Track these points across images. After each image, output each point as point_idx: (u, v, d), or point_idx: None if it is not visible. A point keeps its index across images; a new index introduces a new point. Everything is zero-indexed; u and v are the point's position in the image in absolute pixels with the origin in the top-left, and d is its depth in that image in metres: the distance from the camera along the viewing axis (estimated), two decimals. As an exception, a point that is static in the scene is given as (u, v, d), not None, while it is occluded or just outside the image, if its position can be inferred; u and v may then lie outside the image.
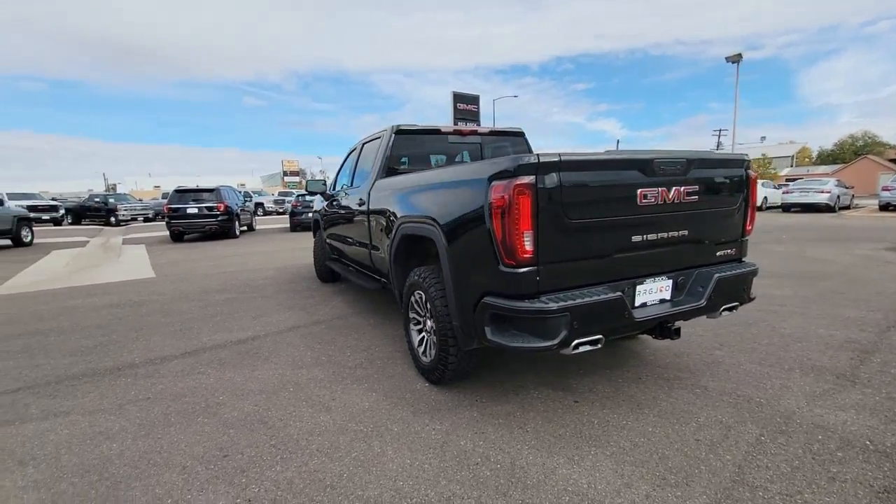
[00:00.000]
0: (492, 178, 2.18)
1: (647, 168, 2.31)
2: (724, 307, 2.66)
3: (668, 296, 2.58)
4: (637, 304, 2.48)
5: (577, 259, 2.25)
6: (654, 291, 2.53)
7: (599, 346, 2.27)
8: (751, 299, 2.84)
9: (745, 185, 2.74)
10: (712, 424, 2.44)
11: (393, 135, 4.04)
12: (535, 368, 3.22)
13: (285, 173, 70.38)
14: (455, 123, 36.43)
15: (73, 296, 6.27)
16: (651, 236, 2.42)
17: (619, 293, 2.25)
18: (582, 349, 2.23)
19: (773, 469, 2.05)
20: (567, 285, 2.25)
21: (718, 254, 2.76)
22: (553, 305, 2.10)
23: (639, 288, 2.47)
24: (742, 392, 2.79)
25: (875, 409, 2.55)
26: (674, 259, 2.58)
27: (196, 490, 2.04)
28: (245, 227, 16.01)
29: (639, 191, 2.29)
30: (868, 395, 2.71)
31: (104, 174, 71.84)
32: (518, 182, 2.05)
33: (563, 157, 2.10)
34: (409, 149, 4.16)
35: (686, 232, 2.54)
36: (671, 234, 2.48)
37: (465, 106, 37.27)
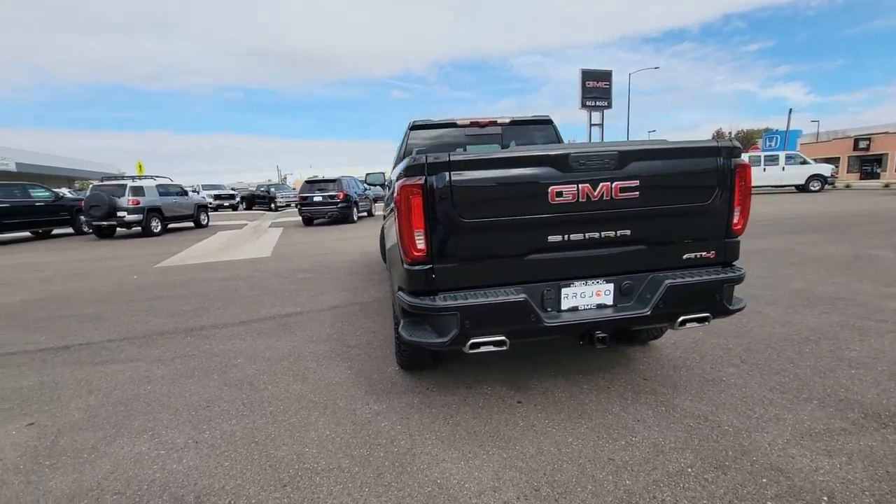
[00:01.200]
0: (398, 178, 2.27)
1: (563, 164, 2.15)
2: (684, 318, 2.33)
3: (608, 301, 2.37)
4: (565, 307, 2.34)
5: (480, 259, 2.23)
6: (587, 295, 2.34)
7: (505, 347, 2.23)
8: (732, 311, 2.41)
9: (724, 178, 2.32)
10: (644, 446, 2.21)
11: (409, 130, 4.24)
12: (505, 367, 3.19)
13: (420, 161, 74.49)
14: (583, 104, 34.58)
15: (203, 270, 7.88)
16: (576, 236, 2.24)
17: (522, 296, 2.17)
18: (484, 349, 2.22)
19: None
20: (472, 284, 2.25)
21: (686, 257, 2.40)
22: (440, 303, 2.14)
23: (564, 291, 2.32)
24: (715, 417, 2.42)
25: (881, 460, 2.00)
26: (616, 262, 2.34)
27: (171, 428, 2.62)
28: (364, 213, 17.74)
29: (550, 188, 2.14)
30: (892, 442, 2.12)
31: (277, 166, 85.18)
32: (408, 182, 2.12)
33: (452, 158, 2.10)
34: (426, 144, 4.32)
35: (628, 232, 2.28)
36: (605, 234, 2.26)
37: (595, 83, 34.95)
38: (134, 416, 2.77)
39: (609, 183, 2.18)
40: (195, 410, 2.81)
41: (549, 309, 2.31)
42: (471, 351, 2.22)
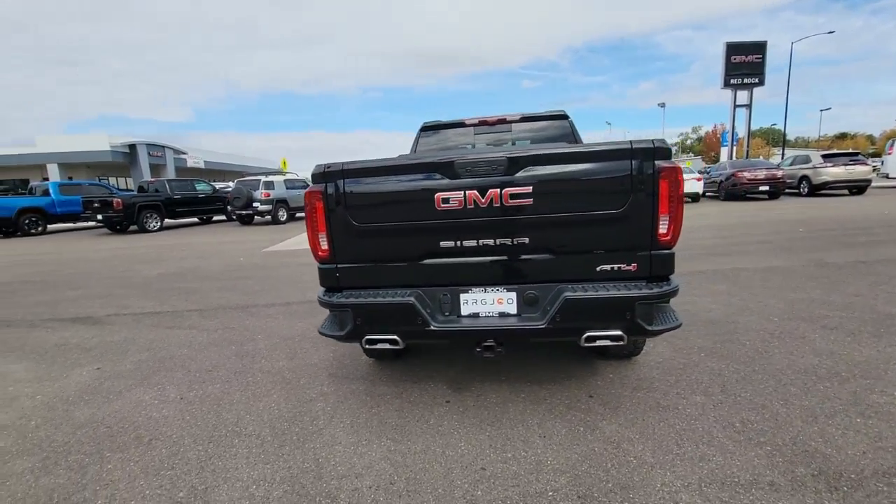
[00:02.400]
0: (313, 184, 2.51)
1: (449, 171, 2.15)
2: (590, 334, 2.15)
3: (512, 310, 2.30)
4: (465, 313, 2.34)
5: (378, 261, 2.35)
6: (488, 303, 2.31)
7: (399, 346, 2.33)
8: (652, 331, 2.14)
9: (643, 183, 2.06)
10: (527, 462, 2.13)
11: (420, 132, 4.41)
12: (463, 367, 3.23)
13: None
14: (726, 83, 30.28)
15: (294, 255, 9.05)
16: (469, 243, 2.23)
17: (410, 299, 2.24)
18: (381, 346, 2.36)
19: (496, 520, 1.78)
20: (373, 284, 2.39)
21: (601, 269, 2.19)
22: (336, 300, 2.34)
23: (463, 297, 2.32)
24: (630, 446, 2.20)
25: (787, 528, 1.66)
26: (518, 270, 2.25)
27: (174, 384, 3.26)
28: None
29: (436, 195, 2.17)
30: (824, 511, 1.73)
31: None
32: (311, 189, 2.35)
33: (345, 166, 2.26)
34: (437, 144, 4.43)
35: (526, 240, 2.18)
36: (501, 241, 2.20)
37: (744, 58, 30.32)
38: (160, 372, 3.50)
39: (498, 189, 2.12)
40: (200, 373, 3.43)
41: (448, 313, 2.34)
42: (368, 346, 2.38)
